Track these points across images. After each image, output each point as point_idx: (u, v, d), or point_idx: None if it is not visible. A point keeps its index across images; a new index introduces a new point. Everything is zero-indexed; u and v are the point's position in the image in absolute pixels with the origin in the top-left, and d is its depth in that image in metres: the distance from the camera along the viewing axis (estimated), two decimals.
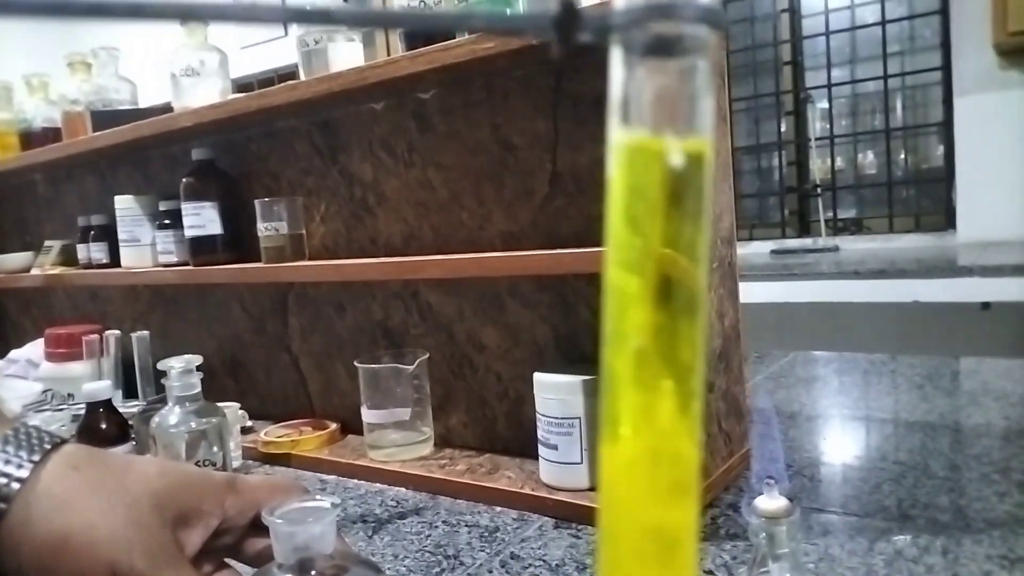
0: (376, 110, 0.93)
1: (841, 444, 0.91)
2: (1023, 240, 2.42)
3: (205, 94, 1.06)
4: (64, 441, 0.36)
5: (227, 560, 0.42)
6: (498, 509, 0.77)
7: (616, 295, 0.21)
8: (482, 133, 0.85)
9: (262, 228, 0.98)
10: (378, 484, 0.86)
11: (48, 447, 0.34)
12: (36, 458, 0.33)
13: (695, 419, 0.21)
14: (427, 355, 0.91)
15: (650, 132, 0.19)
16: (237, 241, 1.06)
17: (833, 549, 0.62)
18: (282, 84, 0.90)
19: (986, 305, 2.14)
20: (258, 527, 0.41)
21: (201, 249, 1.05)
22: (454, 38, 0.81)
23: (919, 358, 1.25)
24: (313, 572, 0.40)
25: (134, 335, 1.00)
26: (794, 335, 2.32)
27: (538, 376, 0.77)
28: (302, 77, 0.93)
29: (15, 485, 0.32)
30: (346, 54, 0.93)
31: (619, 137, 0.20)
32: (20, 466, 0.32)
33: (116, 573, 0.32)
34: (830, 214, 2.90)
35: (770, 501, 0.43)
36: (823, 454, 0.87)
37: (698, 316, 0.21)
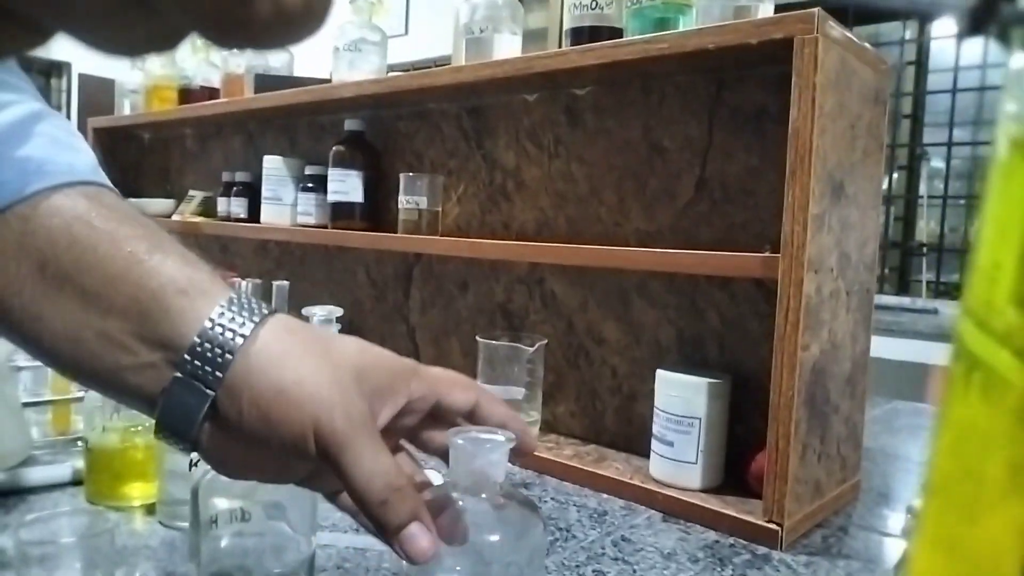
0: (528, 101, 0.97)
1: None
2: None
3: (363, 70, 1.12)
4: (279, 312, 0.38)
5: (403, 443, 0.45)
6: (605, 496, 0.78)
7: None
8: (632, 133, 0.88)
9: (403, 200, 1.03)
10: None
11: (266, 312, 0.37)
12: (257, 319, 0.36)
13: None
14: (545, 340, 0.93)
15: None
16: (375, 211, 1.11)
17: None
18: (445, 66, 0.95)
19: None
20: (433, 417, 0.44)
21: (340, 214, 1.11)
22: (620, 35, 0.84)
23: None
24: (484, 495, 0.43)
25: (275, 283, 1.06)
26: (884, 389, 2.25)
27: (661, 372, 0.79)
28: (462, 63, 0.98)
29: (239, 340, 0.35)
30: (507, 45, 0.97)
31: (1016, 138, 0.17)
32: (243, 324, 0.35)
33: (318, 428, 0.34)
34: (931, 276, 2.82)
35: None
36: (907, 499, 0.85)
37: None
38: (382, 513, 0.35)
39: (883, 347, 2.27)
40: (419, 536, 0.35)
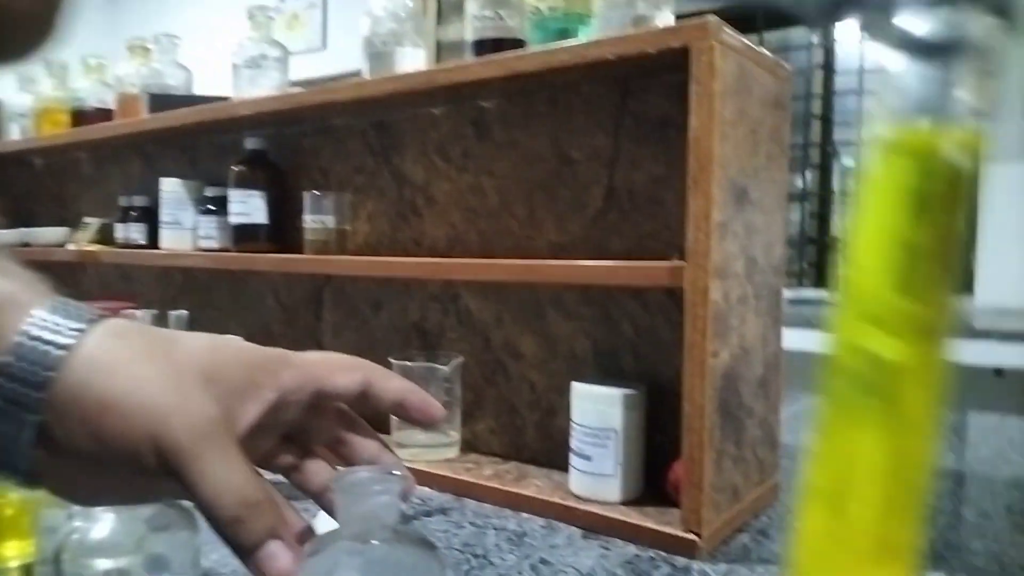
0: (435, 114, 0.95)
1: None
2: None
3: (264, 86, 1.08)
4: (109, 316, 0.34)
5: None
6: (525, 515, 0.77)
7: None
8: (540, 145, 0.87)
9: (308, 220, 0.99)
10: None
11: (93, 318, 0.32)
12: (82, 326, 0.31)
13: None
14: (462, 358, 0.91)
15: (932, 127, 0.18)
16: (280, 232, 1.07)
17: None
18: (348, 80, 0.92)
19: (999, 372, 2.13)
20: (319, 410, 0.40)
21: (244, 237, 1.06)
22: (524, 46, 0.83)
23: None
24: (375, 540, 0.40)
25: (172, 313, 1.01)
26: (805, 381, 2.31)
27: (577, 386, 0.78)
28: (367, 77, 0.95)
29: (61, 352, 0.30)
30: (411, 58, 0.95)
31: (887, 136, 0.18)
32: (63, 334, 0.31)
33: (156, 442, 0.30)
34: None
35: None
36: None
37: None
38: (234, 533, 0.31)
39: (804, 340, 2.34)
40: (277, 556, 0.32)
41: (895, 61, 0.18)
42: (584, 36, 0.80)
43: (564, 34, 0.81)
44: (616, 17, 0.76)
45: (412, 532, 0.44)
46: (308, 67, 4.01)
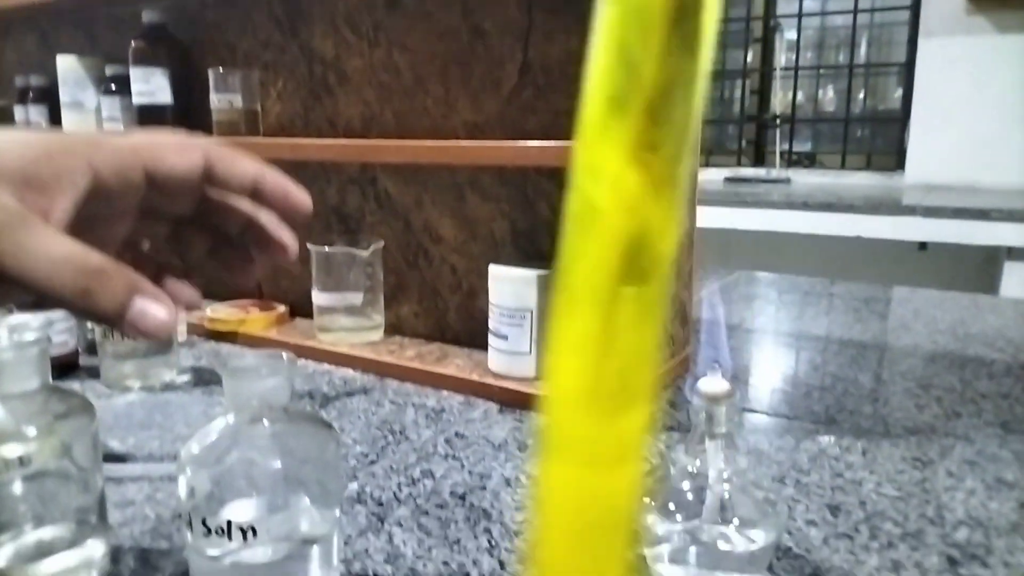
0: None
1: (776, 355, 0.95)
2: (967, 184, 2.50)
3: None
4: None
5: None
6: (445, 393, 0.78)
7: (591, 136, 0.21)
8: (452, 17, 0.83)
9: (215, 100, 0.94)
10: (326, 365, 0.87)
11: None
12: None
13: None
14: (382, 242, 0.90)
15: None
16: (187, 113, 1.02)
17: (761, 444, 0.66)
18: None
19: (923, 245, 2.22)
20: (154, 209, 0.36)
21: (149, 118, 1.01)
22: None
23: (857, 285, 1.29)
24: (265, 421, 0.41)
25: None
26: (740, 260, 2.37)
27: (493, 268, 0.78)
28: None
29: None
30: None
31: None
32: None
33: None
34: (786, 146, 2.94)
35: (713, 383, 0.45)
36: (758, 363, 0.91)
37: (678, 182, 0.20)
38: (91, 306, 0.28)
39: (740, 219, 2.38)
40: (149, 309, 0.29)
41: None
42: None
43: None
44: None
45: (305, 413, 0.45)
46: None
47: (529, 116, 0.80)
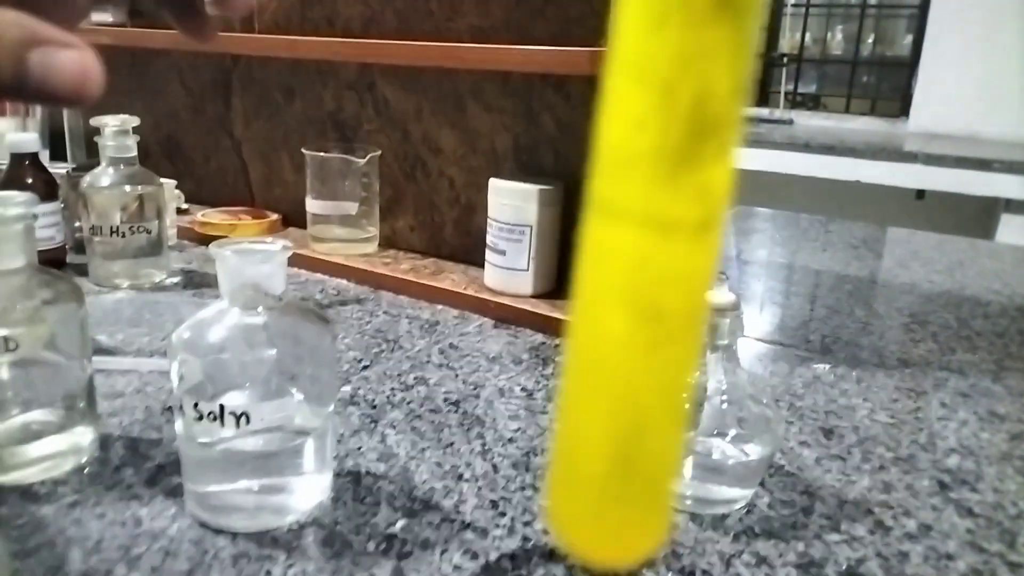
0: None
1: (774, 287, 0.94)
2: (970, 134, 2.47)
3: None
4: None
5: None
6: (439, 307, 0.77)
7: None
8: None
9: None
10: (319, 274, 0.85)
11: None
12: None
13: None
14: (379, 152, 0.88)
15: None
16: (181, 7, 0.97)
17: (756, 369, 0.65)
18: None
19: (920, 194, 2.20)
20: None
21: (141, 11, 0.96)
22: None
23: (856, 224, 1.28)
24: (260, 309, 0.40)
25: None
26: (740, 198, 2.36)
27: (494, 181, 0.76)
28: None
29: None
30: None
31: None
32: None
33: None
34: (791, 87, 2.88)
35: (718, 294, 0.44)
36: (756, 293, 0.90)
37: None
38: None
39: (747, 159, 2.36)
40: (54, 60, 0.23)
41: None
42: None
43: None
44: None
45: (300, 304, 0.43)
46: None
47: (538, 21, 0.77)
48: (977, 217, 2.18)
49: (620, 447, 0.20)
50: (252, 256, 0.39)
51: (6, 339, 0.43)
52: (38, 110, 0.99)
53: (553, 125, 0.78)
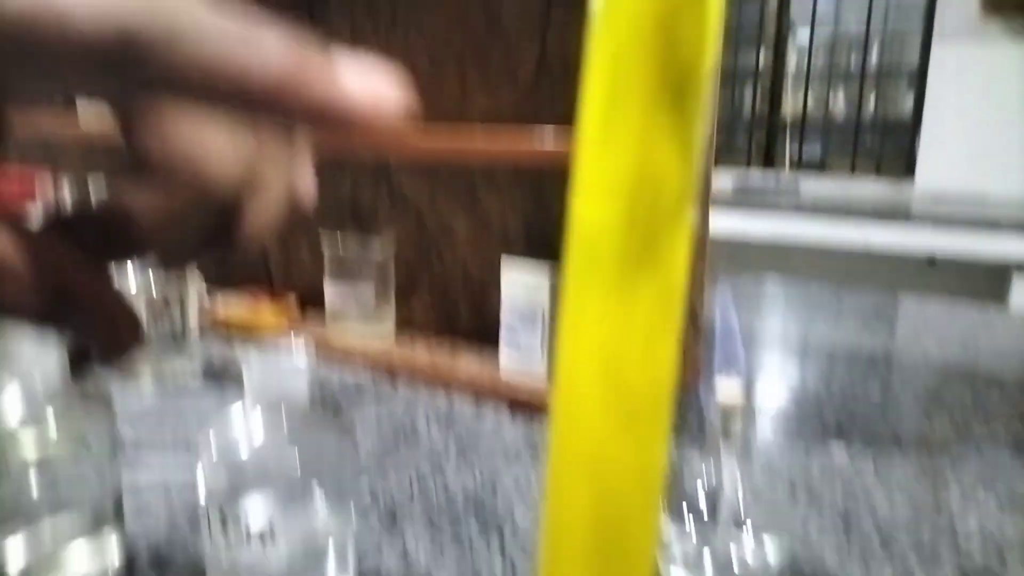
0: None
1: (785, 363, 0.94)
2: (977, 194, 2.49)
3: None
4: None
5: None
6: (456, 394, 0.78)
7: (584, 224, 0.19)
8: (470, 7, 0.82)
9: None
10: (336, 361, 0.87)
11: None
12: None
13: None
14: (395, 236, 0.90)
15: None
16: None
17: (771, 453, 0.66)
18: None
19: (932, 262, 2.20)
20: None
21: None
22: None
23: (867, 295, 1.29)
24: (283, 414, 0.41)
25: (92, 178, 0.96)
26: (748, 266, 2.37)
27: (506, 266, 0.78)
28: None
29: None
30: None
31: None
32: None
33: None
34: (796, 151, 2.93)
35: (728, 388, 0.45)
36: (768, 370, 0.90)
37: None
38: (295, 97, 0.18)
39: (748, 224, 2.38)
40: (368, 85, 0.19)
41: None
42: None
43: None
44: None
45: (321, 410, 0.45)
46: None
47: (546, 107, 0.80)
48: (990, 281, 2.18)
49: (599, 524, 0.22)
50: (277, 362, 0.40)
51: (36, 441, 0.45)
52: (66, 196, 1.03)
53: (562, 209, 0.81)
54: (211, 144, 0.23)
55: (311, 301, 0.99)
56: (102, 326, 0.23)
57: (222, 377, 0.81)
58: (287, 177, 0.26)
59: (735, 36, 2.97)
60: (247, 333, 0.94)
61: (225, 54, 0.18)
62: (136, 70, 0.18)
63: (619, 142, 0.19)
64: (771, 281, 1.39)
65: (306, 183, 0.29)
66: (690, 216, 0.19)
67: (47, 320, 0.22)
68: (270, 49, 0.18)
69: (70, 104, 1.13)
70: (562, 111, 0.79)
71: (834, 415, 0.74)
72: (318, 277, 0.91)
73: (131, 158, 0.22)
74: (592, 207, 0.19)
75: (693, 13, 0.18)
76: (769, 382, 0.86)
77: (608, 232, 0.19)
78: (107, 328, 0.23)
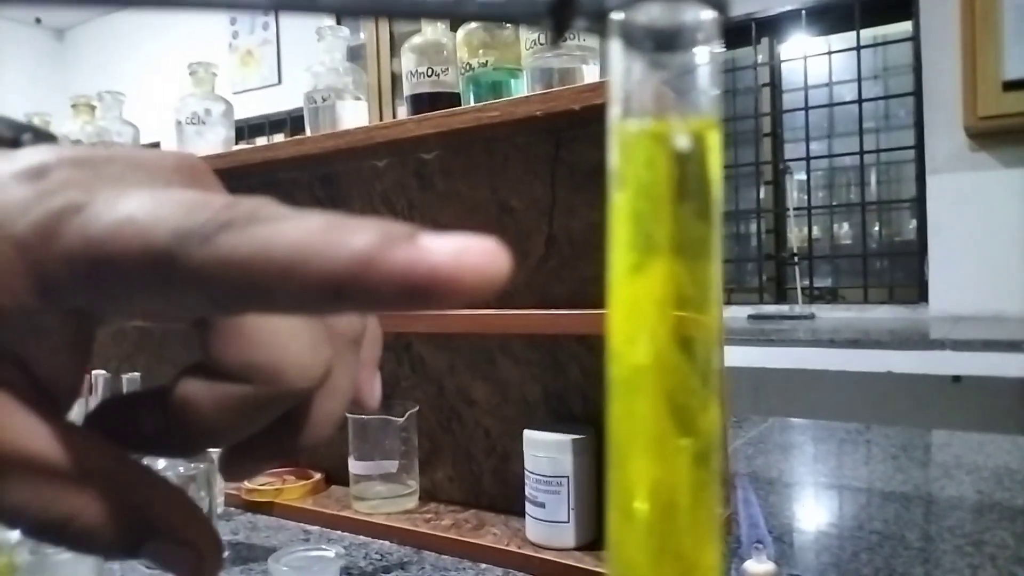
0: (379, 167, 0.96)
1: (818, 512, 0.93)
2: (993, 315, 2.49)
3: (209, 142, 1.08)
4: None
5: None
6: (483, 566, 0.77)
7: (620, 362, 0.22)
8: (481, 195, 0.89)
9: None
10: (362, 536, 0.86)
11: None
12: None
13: (714, 476, 0.21)
14: (417, 408, 0.92)
15: (653, 119, 0.19)
16: None
17: None
18: (290, 139, 0.93)
19: (957, 379, 2.18)
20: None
21: None
22: (459, 104, 0.85)
23: (893, 429, 1.28)
24: None
25: (125, 376, 1.00)
26: (769, 401, 2.35)
27: (528, 433, 0.79)
28: (308, 132, 0.96)
29: None
30: (352, 112, 0.96)
31: (620, 129, 0.19)
32: None
33: None
34: (806, 282, 2.97)
35: (757, 565, 0.45)
36: (801, 521, 0.89)
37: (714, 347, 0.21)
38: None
39: (765, 357, 2.38)
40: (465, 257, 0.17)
41: (618, 55, 0.18)
42: (516, 89, 0.82)
43: (497, 88, 0.83)
44: (542, 72, 0.78)
45: None
46: (264, 103, 4.03)
47: (556, 284, 0.84)
48: (1019, 399, 2.14)
49: None
50: (308, 570, 0.41)
51: None
52: (99, 389, 1.06)
53: (579, 373, 0.83)
54: (292, 347, 0.22)
55: (337, 479, 1.00)
56: (185, 555, 0.21)
57: (248, 560, 0.81)
58: (354, 375, 0.25)
59: (734, 177, 3.10)
60: (272, 510, 0.94)
61: (310, 244, 0.17)
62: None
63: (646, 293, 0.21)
64: (798, 424, 1.38)
65: (371, 381, 0.28)
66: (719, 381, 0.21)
67: (125, 549, 0.20)
68: (355, 230, 0.16)
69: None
70: (572, 285, 0.83)
71: (873, 567, 0.72)
72: (343, 449, 0.93)
73: (208, 365, 0.21)
74: (622, 335, 0.21)
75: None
76: (802, 532, 0.84)
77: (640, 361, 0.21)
78: (189, 556, 0.21)
